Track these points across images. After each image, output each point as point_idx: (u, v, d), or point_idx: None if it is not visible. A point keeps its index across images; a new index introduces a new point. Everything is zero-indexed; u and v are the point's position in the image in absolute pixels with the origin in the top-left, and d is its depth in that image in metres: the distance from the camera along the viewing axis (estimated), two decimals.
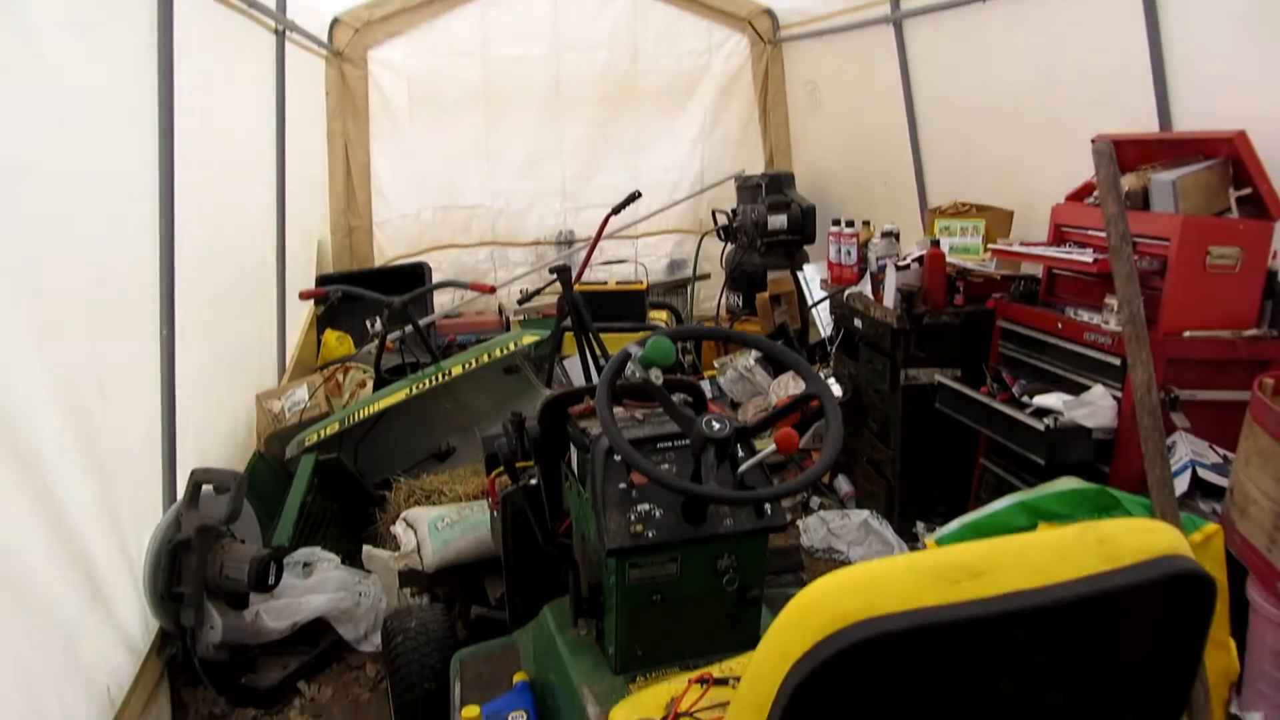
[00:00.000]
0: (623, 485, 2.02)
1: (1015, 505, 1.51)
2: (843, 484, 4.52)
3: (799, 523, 4.20)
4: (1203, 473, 2.81)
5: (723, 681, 1.52)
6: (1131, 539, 1.09)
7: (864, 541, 3.96)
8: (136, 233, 3.22)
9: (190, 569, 3.04)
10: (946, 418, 3.68)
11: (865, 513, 4.09)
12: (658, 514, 1.99)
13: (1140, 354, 1.33)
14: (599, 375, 2.11)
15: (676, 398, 2.06)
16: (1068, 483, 1.53)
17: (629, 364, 1.93)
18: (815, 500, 4.52)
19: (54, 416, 2.56)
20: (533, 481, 2.47)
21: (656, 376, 1.92)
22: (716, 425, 1.88)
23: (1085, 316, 3.26)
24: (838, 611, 1.00)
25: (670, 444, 2.10)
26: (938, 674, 1.06)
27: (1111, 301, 3.08)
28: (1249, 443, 2.64)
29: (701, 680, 1.51)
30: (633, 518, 1.97)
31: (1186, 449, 2.86)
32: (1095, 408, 3.02)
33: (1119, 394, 3.02)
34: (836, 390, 4.32)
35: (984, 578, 1.02)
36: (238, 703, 3.11)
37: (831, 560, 3.96)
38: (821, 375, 2.01)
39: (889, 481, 4.07)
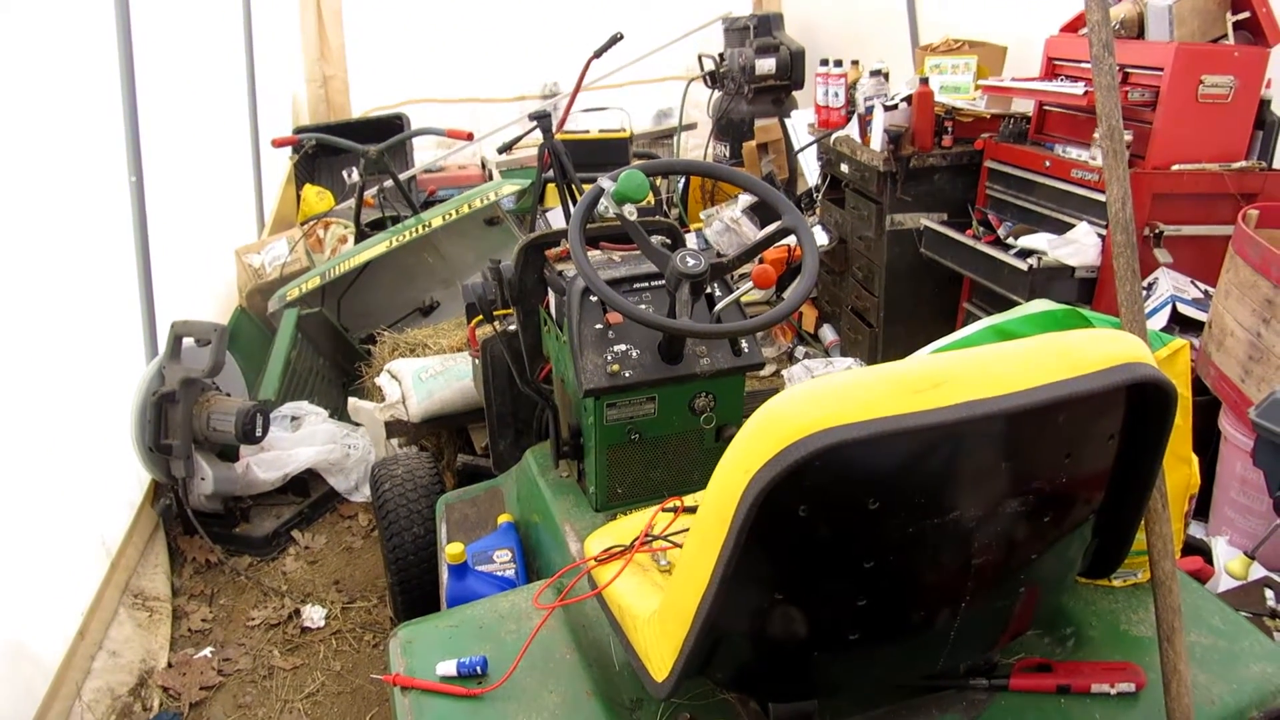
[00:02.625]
0: (599, 326, 2.01)
1: (987, 329, 1.51)
2: (828, 333, 4.53)
3: (783, 373, 4.22)
4: (1182, 307, 2.81)
5: (692, 510, 1.55)
6: (1094, 347, 1.08)
7: None
8: (96, 73, 3.09)
9: (176, 421, 3.07)
10: (932, 263, 3.65)
11: (850, 360, 4.11)
12: (634, 354, 1.99)
13: (1116, 169, 1.28)
14: None
15: (655, 239, 2.02)
16: (1039, 305, 1.51)
17: (602, 199, 1.88)
18: (801, 350, 4.55)
19: (25, 268, 2.52)
20: (511, 327, 2.46)
21: (630, 212, 1.87)
22: (691, 261, 1.85)
23: (1074, 154, 3.18)
24: (801, 421, 1.00)
25: (647, 284, 2.07)
26: (899, 483, 1.07)
27: (1100, 136, 2.99)
28: (1230, 275, 2.63)
29: (672, 508, 1.54)
30: (609, 358, 1.97)
31: (1168, 284, 2.85)
32: (1079, 246, 2.99)
33: (1104, 231, 2.99)
34: (822, 238, 4.27)
35: (945, 387, 1.01)
36: (233, 551, 3.20)
37: None
38: (806, 220, 1.96)
39: (873, 329, 4.07)
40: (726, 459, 1.06)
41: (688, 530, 1.49)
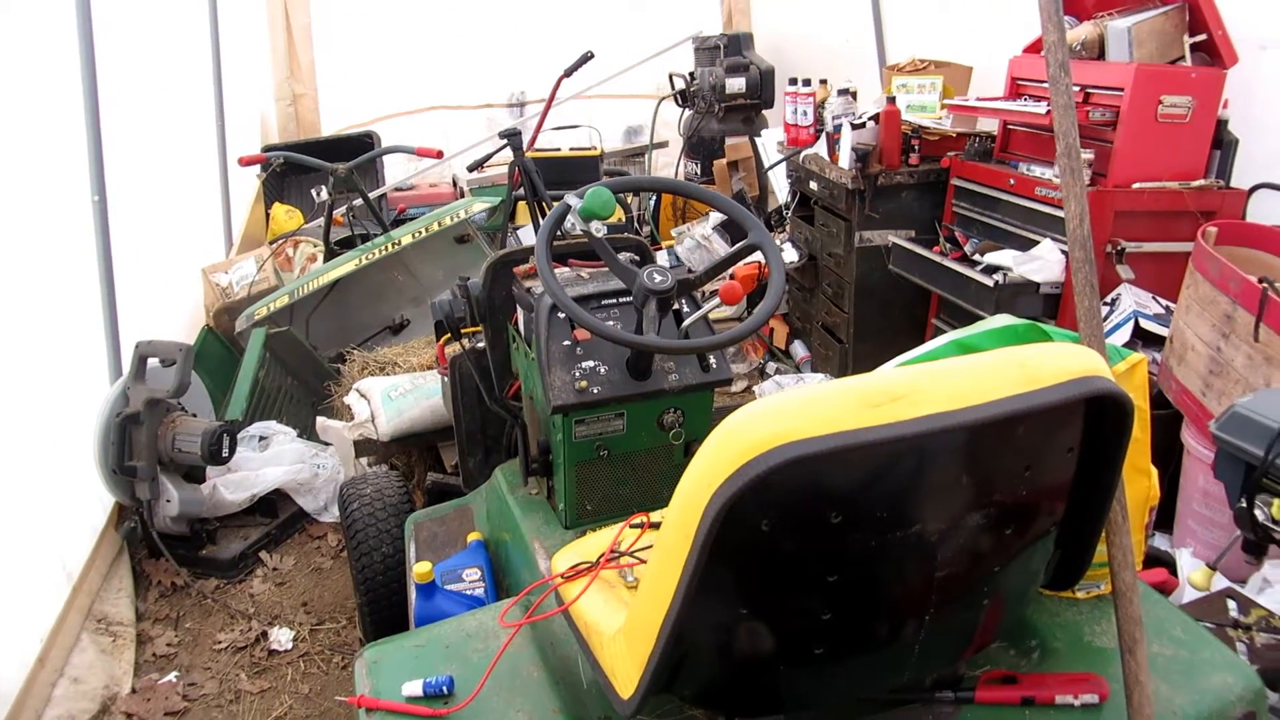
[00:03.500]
0: (567, 343, 2.01)
1: (950, 343, 1.52)
2: (798, 349, 4.55)
3: (755, 389, 4.24)
4: (1145, 323, 2.86)
5: (658, 525, 1.54)
6: (1051, 361, 1.10)
7: None
8: (57, 90, 3.06)
9: (141, 442, 3.03)
10: (900, 279, 3.68)
11: (820, 376, 4.14)
12: (603, 370, 1.99)
13: (1074, 187, 1.31)
14: None
15: (623, 257, 2.03)
16: (1000, 320, 1.54)
17: (569, 217, 1.89)
18: (772, 366, 4.57)
19: None
20: (480, 345, 2.45)
21: (598, 229, 1.88)
22: (658, 278, 1.85)
23: (1037, 172, 3.23)
24: (762, 435, 1.00)
25: (615, 300, 2.08)
26: (861, 496, 1.07)
27: (1059, 154, 3.05)
28: (1190, 291, 2.68)
29: (638, 524, 1.54)
30: (577, 374, 1.97)
31: (1130, 300, 2.90)
32: (1043, 262, 3.03)
33: (1067, 248, 3.03)
34: (792, 255, 4.30)
35: (904, 401, 1.02)
36: (199, 574, 3.15)
37: None
38: (775, 240, 1.97)
39: (843, 344, 4.10)
40: (689, 474, 1.06)
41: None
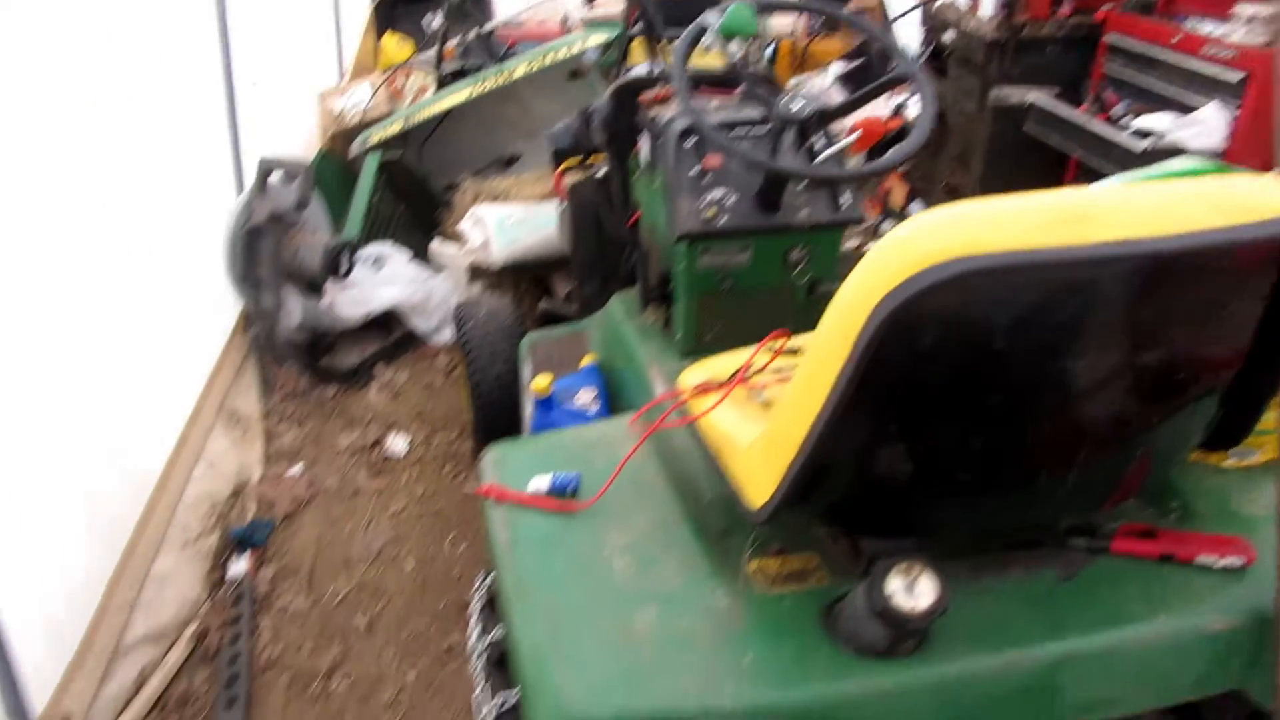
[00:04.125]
0: (696, 170, 1.96)
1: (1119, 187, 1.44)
2: (915, 209, 4.40)
3: (866, 248, 4.14)
4: None
5: (794, 351, 1.54)
6: (1261, 195, 1.02)
7: None
8: None
9: (265, 254, 3.13)
10: (1034, 144, 3.49)
11: None
12: (731, 200, 1.94)
13: None
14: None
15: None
16: (1182, 162, 1.43)
17: (707, 34, 1.81)
18: (888, 224, 4.44)
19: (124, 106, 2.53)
20: (600, 173, 2.42)
21: (736, 49, 1.80)
22: (797, 104, 1.78)
23: (1207, 29, 2.97)
24: (939, 244, 0.96)
25: (747, 129, 2.01)
26: (1030, 321, 1.03)
27: (1243, 9, 2.79)
28: None
29: (772, 347, 1.53)
30: (705, 203, 1.93)
31: None
32: (1205, 127, 2.82)
33: (1235, 113, 2.81)
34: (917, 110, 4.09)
35: (1091, 223, 0.97)
36: (319, 381, 3.31)
37: None
38: (922, 70, 1.86)
39: None
40: (854, 279, 1.04)
41: (790, 367, 1.49)
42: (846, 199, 2.01)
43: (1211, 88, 2.91)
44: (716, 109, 2.11)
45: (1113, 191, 1.03)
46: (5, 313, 1.87)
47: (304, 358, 3.31)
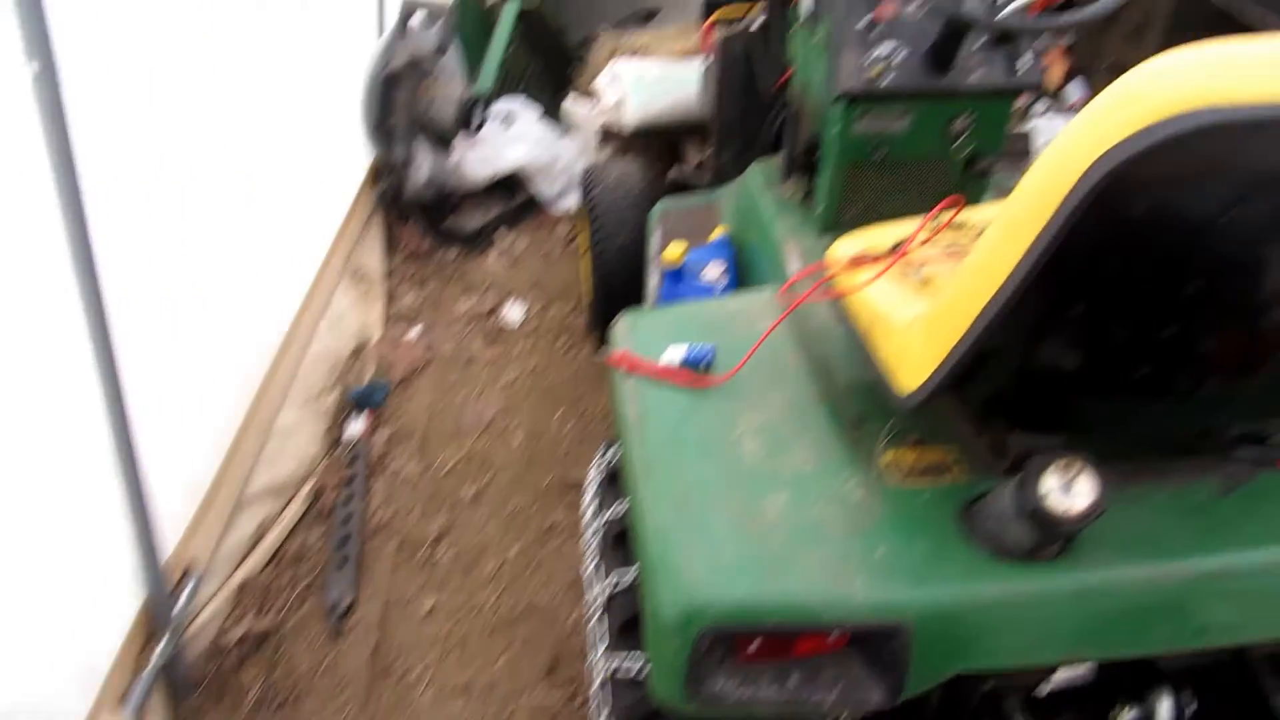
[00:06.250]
0: (865, 21, 1.75)
1: None
2: (1074, 90, 3.95)
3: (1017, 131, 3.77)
4: None
5: (961, 226, 1.37)
6: None
7: None
8: None
9: (400, 102, 3.06)
10: (1224, 18, 3.03)
11: None
12: (900, 57, 1.74)
13: None
14: None
15: None
16: None
17: None
18: (1041, 105, 4.03)
19: None
20: (752, 27, 2.22)
21: None
22: None
23: None
24: (1174, 94, 0.78)
25: None
26: (1267, 193, 0.85)
27: None
28: None
29: (938, 218, 1.36)
30: (871, 59, 1.73)
31: None
32: None
33: None
34: None
35: None
36: (441, 241, 3.28)
37: None
38: None
39: None
40: (1068, 133, 0.86)
41: (957, 243, 1.33)
42: (1025, 61, 1.78)
43: None
44: None
45: None
46: (140, 160, 1.85)
47: (429, 217, 3.28)
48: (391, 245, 3.22)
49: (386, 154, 3.11)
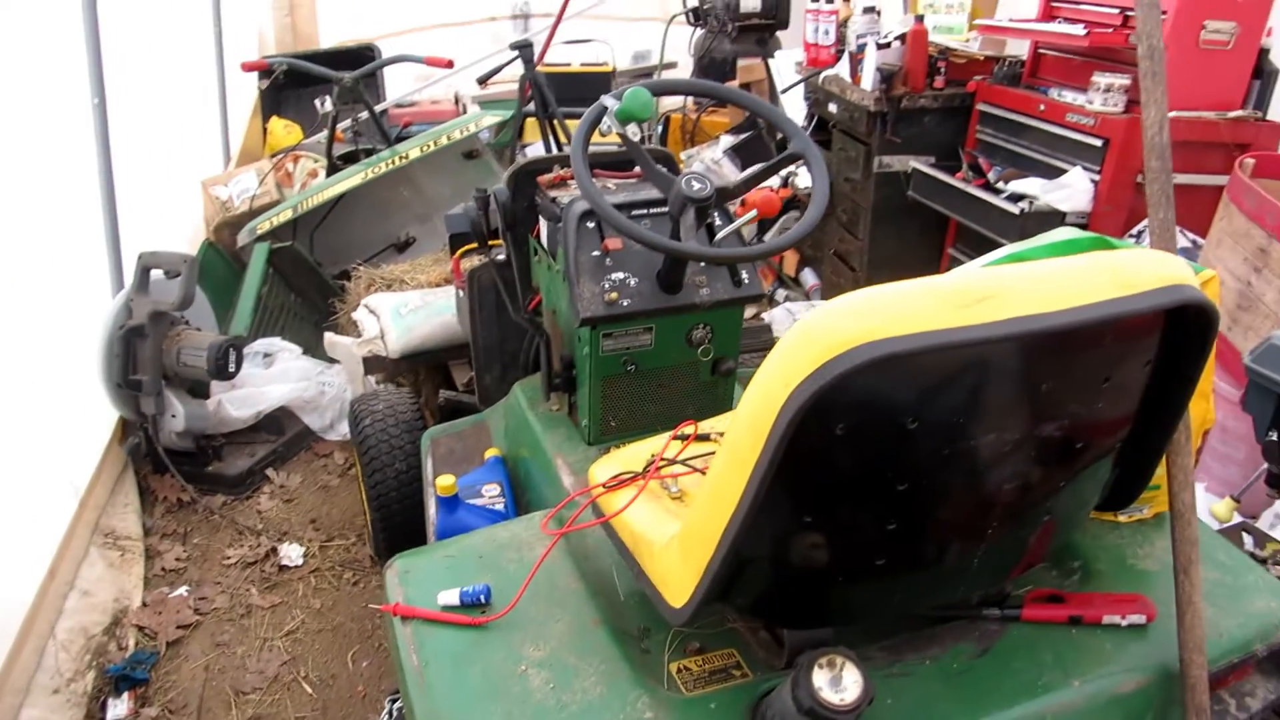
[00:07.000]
0: (596, 253, 1.94)
1: (1006, 257, 1.47)
2: (809, 276, 4.49)
3: (763, 315, 4.19)
4: None
5: (704, 437, 1.50)
6: (1145, 267, 1.05)
7: None
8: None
9: (146, 356, 2.96)
10: (917, 208, 3.61)
11: None
12: (632, 282, 1.93)
13: (1154, 92, 1.24)
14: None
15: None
16: (1063, 232, 1.47)
17: (605, 118, 1.80)
18: (781, 293, 4.51)
19: None
20: (500, 257, 2.38)
21: (634, 133, 1.80)
22: (697, 185, 1.78)
23: (1069, 97, 3.14)
24: (846, 332, 0.95)
25: (646, 210, 2.00)
26: (940, 401, 1.03)
27: (1099, 80, 2.96)
28: (1222, 224, 2.62)
29: (682, 435, 1.49)
30: (607, 286, 1.91)
31: None
32: (1071, 191, 2.96)
33: (1097, 177, 2.96)
34: (806, 180, 4.21)
35: (993, 301, 0.97)
36: (206, 490, 3.12)
37: None
38: (815, 146, 1.89)
39: (856, 273, 4.04)
40: (764, 373, 1.01)
41: (703, 456, 1.45)
42: (746, 275, 2.01)
43: (1076, 152, 3.07)
44: (617, 189, 2.11)
45: (1010, 270, 1.04)
46: None
47: (188, 466, 3.12)
48: (149, 501, 3.02)
49: (134, 409, 2.97)
